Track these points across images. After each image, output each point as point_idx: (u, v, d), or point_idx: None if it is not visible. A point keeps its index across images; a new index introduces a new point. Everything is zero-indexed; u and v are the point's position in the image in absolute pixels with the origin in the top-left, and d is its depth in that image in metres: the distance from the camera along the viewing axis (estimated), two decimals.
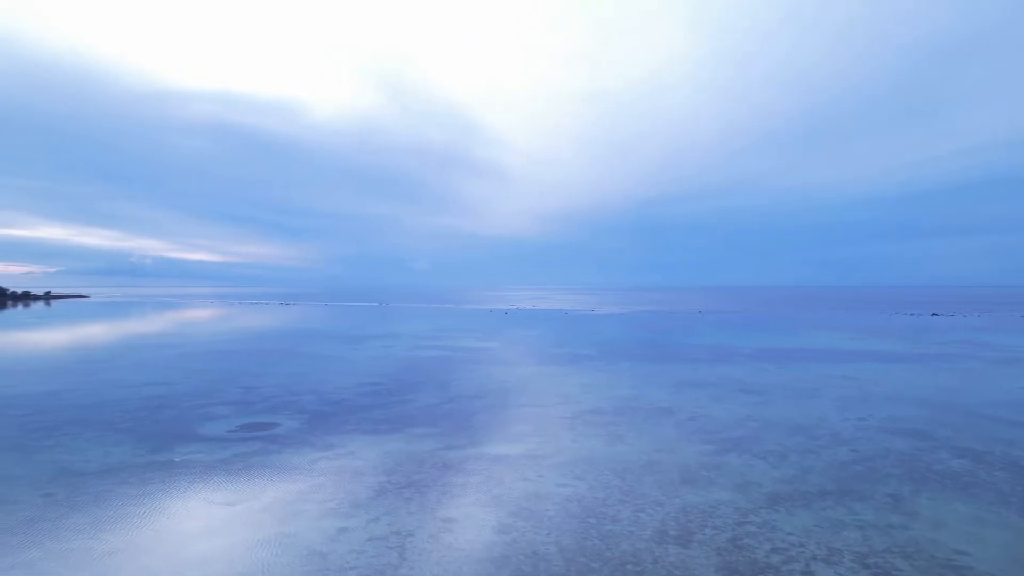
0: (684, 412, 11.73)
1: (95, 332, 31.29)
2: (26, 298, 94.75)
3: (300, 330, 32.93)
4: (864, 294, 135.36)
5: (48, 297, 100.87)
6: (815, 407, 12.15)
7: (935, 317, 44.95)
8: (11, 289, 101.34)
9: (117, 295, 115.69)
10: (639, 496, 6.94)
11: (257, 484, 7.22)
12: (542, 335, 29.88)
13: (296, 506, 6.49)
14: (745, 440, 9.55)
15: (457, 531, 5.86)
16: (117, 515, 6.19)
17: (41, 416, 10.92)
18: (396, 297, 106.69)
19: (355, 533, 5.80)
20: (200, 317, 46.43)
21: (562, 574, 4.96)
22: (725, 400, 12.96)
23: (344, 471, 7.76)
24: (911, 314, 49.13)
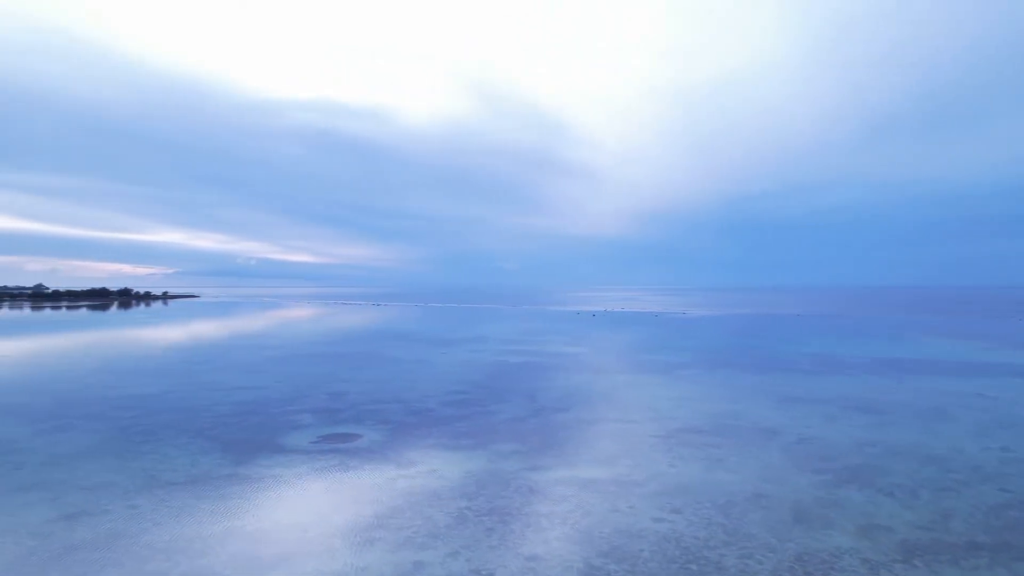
0: (791, 433, 10.66)
1: (201, 331, 33.09)
2: (147, 298, 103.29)
3: (390, 332, 33.47)
4: (990, 295, 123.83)
5: (165, 297, 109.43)
6: (946, 432, 10.74)
7: None
8: (135, 289, 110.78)
9: (223, 295, 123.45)
10: (746, 537, 6.13)
11: (334, 505, 6.94)
12: (632, 340, 28.88)
13: (372, 533, 6.13)
14: (866, 471, 8.45)
15: (542, 573, 5.30)
16: (194, 535, 6.05)
17: (143, 419, 11.27)
18: (485, 298, 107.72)
19: (431, 569, 5.36)
20: (296, 317, 48.36)
21: None
22: (838, 420, 11.73)
23: (424, 493, 7.38)
24: None
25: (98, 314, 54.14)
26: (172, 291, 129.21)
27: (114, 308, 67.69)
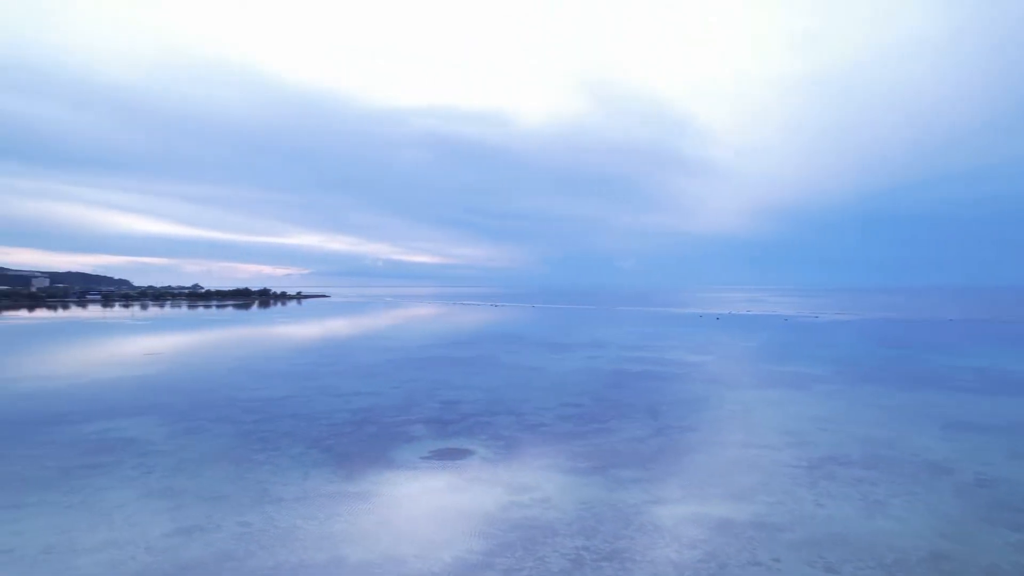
0: (966, 471, 9.05)
1: (327, 332, 34.67)
2: (284, 297, 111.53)
3: (505, 334, 33.38)
4: None
5: (299, 297, 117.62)
6: None
7: None
8: (273, 289, 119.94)
9: (351, 295, 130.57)
10: None
11: (442, 535, 6.49)
12: (761, 347, 26.86)
13: (479, 574, 5.60)
14: None
15: None
16: (297, 562, 5.80)
17: (265, 425, 11.55)
18: (602, 299, 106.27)
19: None
20: (415, 317, 49.73)
21: None
22: None
23: (537, 527, 6.76)
24: None
25: (241, 313, 58.69)
26: (306, 291, 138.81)
27: (255, 307, 73.36)
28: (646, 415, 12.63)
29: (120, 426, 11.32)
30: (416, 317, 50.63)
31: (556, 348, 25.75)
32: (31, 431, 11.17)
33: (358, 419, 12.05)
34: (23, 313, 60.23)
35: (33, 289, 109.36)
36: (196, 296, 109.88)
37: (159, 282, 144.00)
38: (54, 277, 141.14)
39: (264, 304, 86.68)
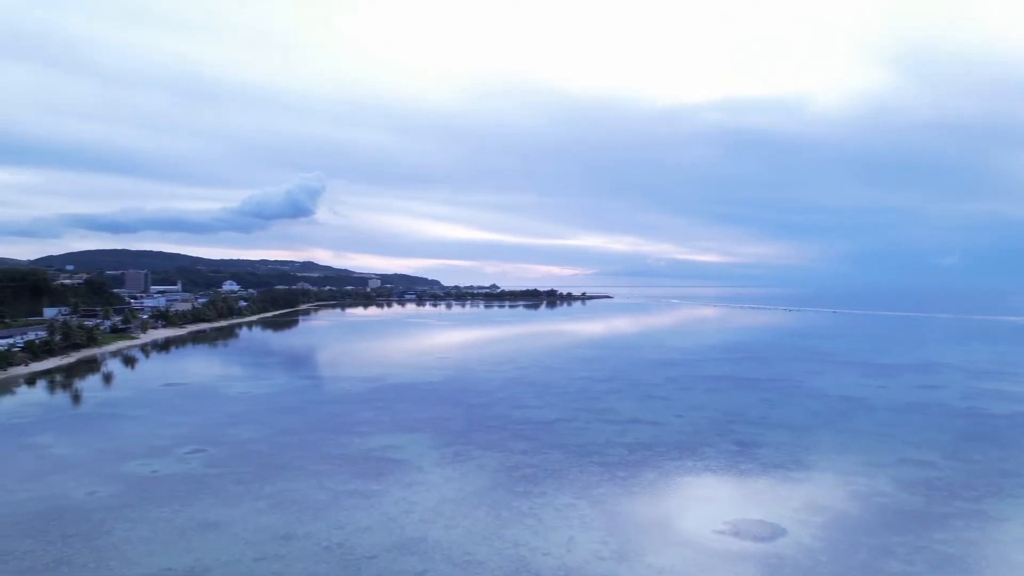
0: None
1: (608, 337, 33.94)
2: (569, 298, 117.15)
3: (805, 348, 28.93)
4: None
5: (584, 297, 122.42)
6: None
7: None
8: (559, 290, 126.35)
9: (634, 295, 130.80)
10: None
11: None
12: None
13: None
14: None
15: None
16: None
17: (533, 456, 10.61)
18: (917, 303, 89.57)
19: None
20: (701, 322, 46.58)
21: None
22: None
23: None
24: None
25: (530, 312, 62.10)
26: (590, 291, 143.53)
27: (543, 307, 77.30)
28: None
29: (397, 443, 11.34)
30: (700, 321, 47.53)
31: (873, 370, 20.98)
32: (327, 441, 11.85)
33: (635, 459, 10.38)
34: (359, 310, 72.34)
35: (368, 289, 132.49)
36: (492, 296, 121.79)
37: (463, 282, 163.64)
38: (384, 279, 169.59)
39: (551, 304, 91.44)
